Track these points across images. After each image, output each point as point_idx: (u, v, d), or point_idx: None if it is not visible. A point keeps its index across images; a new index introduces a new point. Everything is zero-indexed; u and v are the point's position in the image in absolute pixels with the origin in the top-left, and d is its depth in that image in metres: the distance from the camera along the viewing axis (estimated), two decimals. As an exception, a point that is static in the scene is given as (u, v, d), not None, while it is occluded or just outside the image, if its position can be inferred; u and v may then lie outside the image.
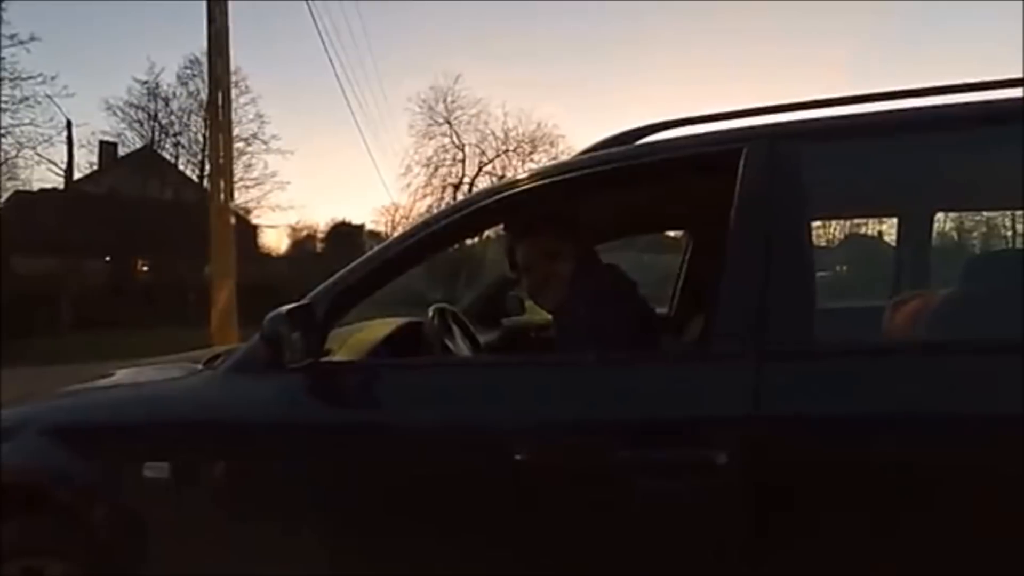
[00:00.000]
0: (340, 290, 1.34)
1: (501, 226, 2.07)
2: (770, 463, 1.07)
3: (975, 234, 2.04)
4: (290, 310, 1.23)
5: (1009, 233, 1.96)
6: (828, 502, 1.07)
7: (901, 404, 1.07)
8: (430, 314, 1.80)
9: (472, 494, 1.19)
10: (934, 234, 1.78)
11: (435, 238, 1.39)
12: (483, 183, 19.62)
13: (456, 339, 1.86)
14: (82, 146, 16.76)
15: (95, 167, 17.44)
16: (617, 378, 1.21)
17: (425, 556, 1.22)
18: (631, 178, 1.45)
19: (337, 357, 1.46)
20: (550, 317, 1.72)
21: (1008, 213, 1.89)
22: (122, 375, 1.67)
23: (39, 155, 14.60)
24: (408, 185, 20.48)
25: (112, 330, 10.76)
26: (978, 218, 1.98)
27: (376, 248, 1.42)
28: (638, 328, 1.44)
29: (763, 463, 1.07)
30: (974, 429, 1.04)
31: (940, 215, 1.81)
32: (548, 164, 1.98)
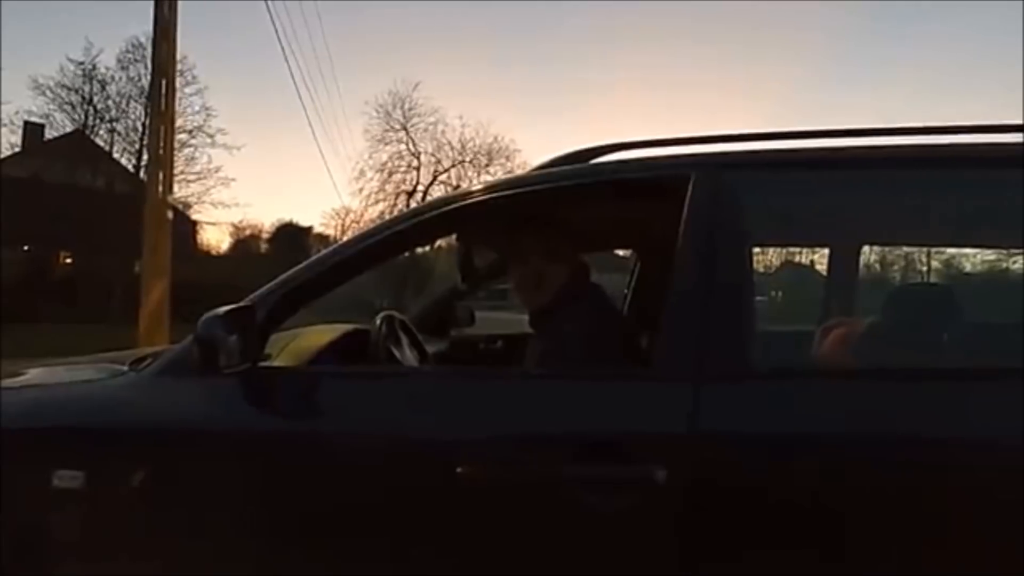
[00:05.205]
0: (284, 293, 1.30)
1: (454, 236, 2.06)
2: (708, 481, 1.10)
3: (895, 267, 2.19)
4: (227, 312, 1.18)
5: (924, 268, 2.12)
6: (765, 520, 1.10)
7: (833, 426, 1.12)
8: (377, 322, 1.76)
9: (411, 507, 1.17)
10: (861, 266, 1.90)
11: (388, 243, 1.37)
12: (438, 192, 19.53)
13: (403, 348, 1.83)
14: (3, 125, 15.61)
15: (17, 149, 16.21)
16: (560, 394, 1.22)
17: (361, 568, 1.18)
18: (584, 196, 1.48)
19: (277, 362, 1.41)
20: (496, 330, 1.71)
21: (927, 249, 2.03)
22: (35, 374, 1.54)
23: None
24: (360, 190, 20.12)
25: (27, 325, 9.95)
26: (897, 252, 2.13)
27: (326, 250, 1.38)
28: (622, 353, 1.45)
29: (701, 481, 1.10)
30: (902, 450, 1.11)
31: (866, 248, 1.93)
32: (503, 177, 1.99)
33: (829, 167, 1.30)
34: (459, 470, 1.14)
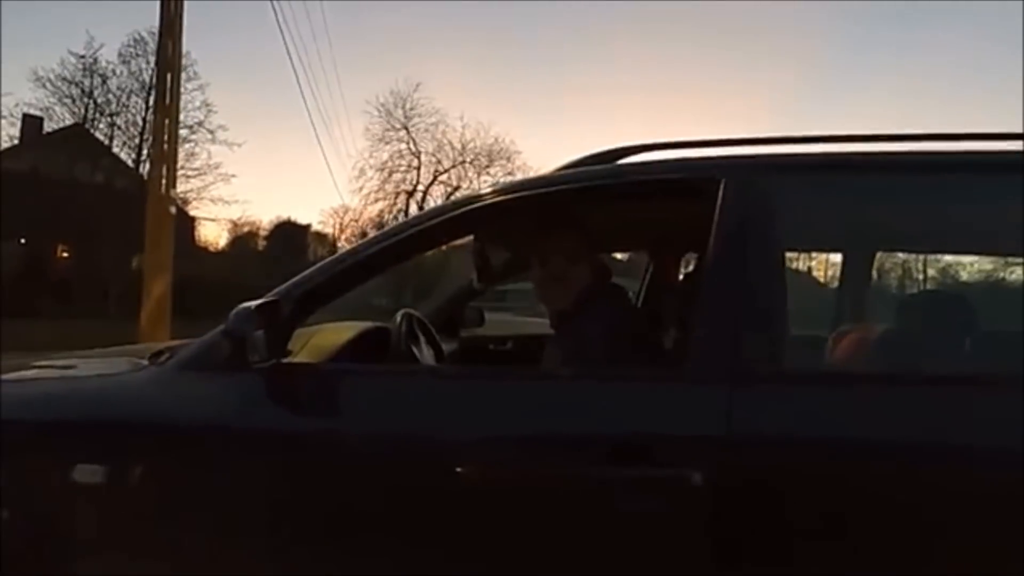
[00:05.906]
0: (307, 289, 1.28)
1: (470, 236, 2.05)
2: (743, 483, 1.09)
3: (940, 273, 2.15)
4: (259, 306, 1.16)
5: (966, 274, 2.09)
6: (800, 522, 1.10)
7: (867, 429, 1.12)
8: (397, 319, 1.75)
9: (438, 510, 1.15)
10: (901, 271, 1.89)
11: (411, 242, 1.36)
12: (438, 192, 19.52)
13: (422, 347, 1.82)
14: (3, 118, 15.53)
15: (16, 141, 16.13)
16: (593, 394, 1.20)
17: (382, 567, 1.17)
18: (610, 197, 1.47)
19: (299, 358, 1.39)
20: (504, 332, 1.69)
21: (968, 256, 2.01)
22: (49, 368, 1.52)
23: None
24: (360, 188, 20.01)
25: (24, 320, 9.87)
26: (943, 258, 2.10)
27: (350, 247, 1.37)
28: (647, 354, 1.44)
29: (736, 483, 1.09)
30: (934, 453, 1.10)
31: (908, 253, 1.92)
32: (529, 177, 1.97)
33: (863, 171, 1.29)
34: (491, 470, 1.13)
